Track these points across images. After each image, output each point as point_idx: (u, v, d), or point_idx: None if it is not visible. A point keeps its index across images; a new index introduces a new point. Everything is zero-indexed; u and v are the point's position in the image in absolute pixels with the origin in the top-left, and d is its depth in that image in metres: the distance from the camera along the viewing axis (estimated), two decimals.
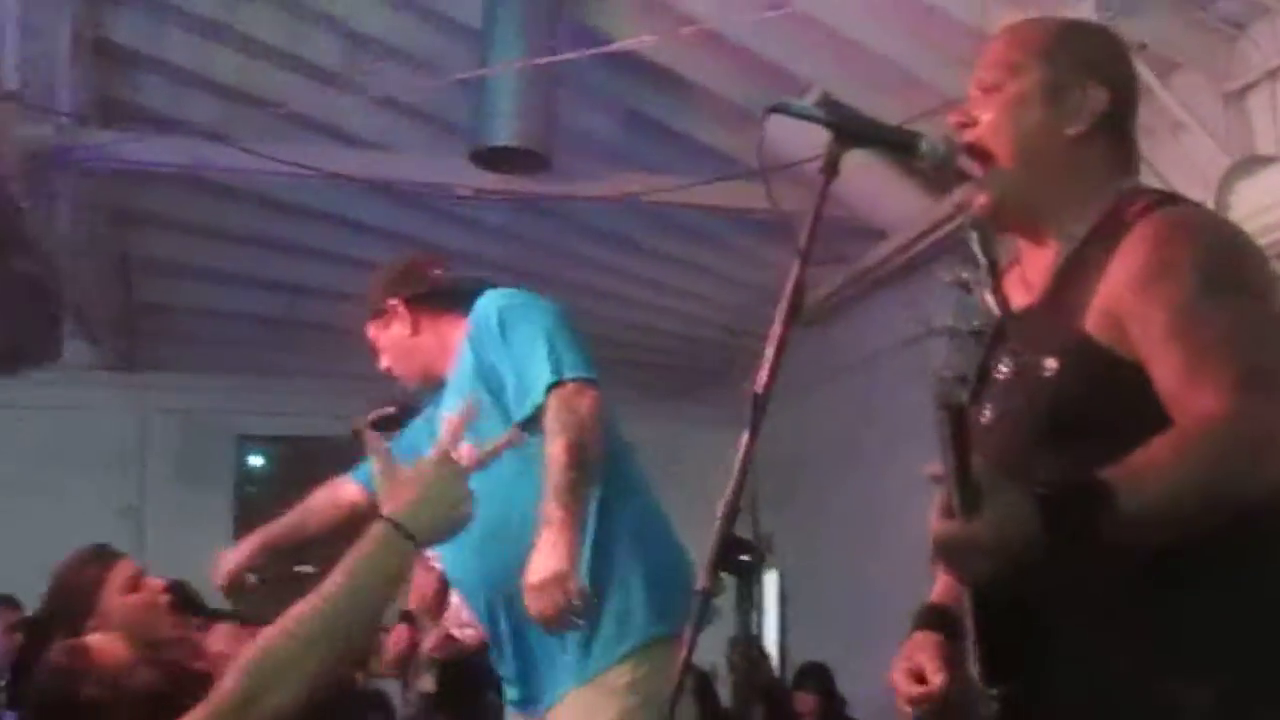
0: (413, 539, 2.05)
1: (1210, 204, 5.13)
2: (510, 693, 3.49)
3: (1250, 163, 5.65)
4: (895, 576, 7.42)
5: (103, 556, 3.46)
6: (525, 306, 3.43)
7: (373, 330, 3.73)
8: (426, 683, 5.67)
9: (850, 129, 2.16)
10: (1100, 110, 2.15)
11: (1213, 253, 2.00)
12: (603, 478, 3.29)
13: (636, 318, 10.13)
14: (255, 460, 12.07)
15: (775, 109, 2.22)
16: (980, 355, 1.83)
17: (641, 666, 3.20)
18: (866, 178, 7.01)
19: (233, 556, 3.87)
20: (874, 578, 7.61)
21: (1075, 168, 2.15)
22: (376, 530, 2.05)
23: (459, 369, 3.50)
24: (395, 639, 5.69)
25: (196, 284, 10.00)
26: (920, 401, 1.83)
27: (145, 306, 10.20)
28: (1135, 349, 1.96)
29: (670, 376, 10.86)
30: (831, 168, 2.14)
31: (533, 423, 3.22)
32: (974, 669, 1.95)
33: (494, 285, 3.58)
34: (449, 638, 5.47)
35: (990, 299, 1.84)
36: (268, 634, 1.97)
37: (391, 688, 7.10)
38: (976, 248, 1.89)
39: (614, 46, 6.84)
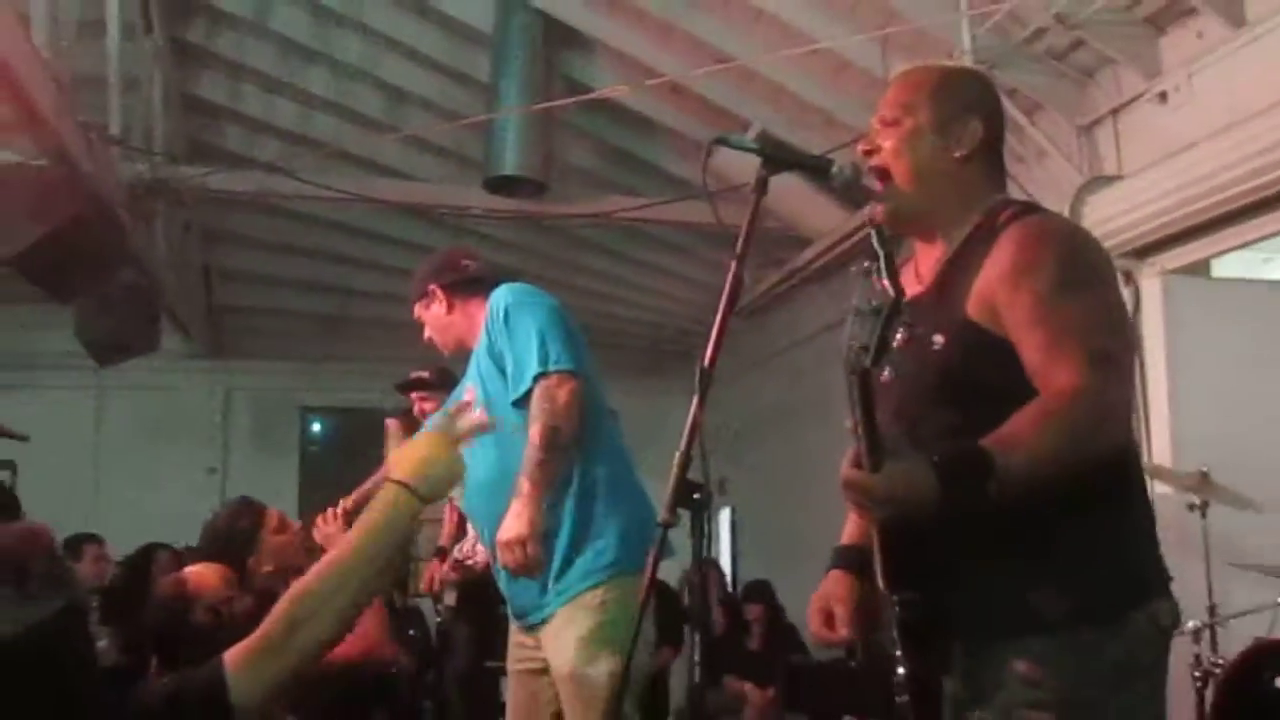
0: (418, 496, 2.01)
1: (1066, 214, 5.15)
2: (509, 607, 3.48)
3: (1098, 182, 5.68)
4: (821, 511, 7.44)
5: (254, 505, 3.44)
6: (527, 303, 3.34)
7: (418, 310, 3.66)
8: (450, 598, 5.72)
9: (776, 156, 2.16)
10: (979, 139, 2.14)
11: (1068, 252, 1.99)
12: (586, 441, 3.26)
13: (617, 311, 10.08)
14: (316, 427, 12.00)
15: (718, 141, 2.22)
16: (879, 328, 1.82)
17: (611, 591, 3.18)
18: (796, 197, 7.03)
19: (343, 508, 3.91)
20: (805, 512, 7.60)
21: (959, 185, 2.14)
22: (388, 491, 2.01)
23: (477, 347, 3.48)
24: (430, 570, 5.73)
25: (267, 288, 9.98)
26: (839, 373, 1.83)
27: (226, 307, 10.15)
28: (1006, 331, 1.96)
29: (643, 358, 10.82)
30: (761, 187, 2.15)
31: (525, 400, 3.22)
32: (880, 580, 1.95)
33: (511, 278, 3.55)
34: (459, 563, 5.52)
35: (886, 283, 1.83)
36: (305, 578, 1.94)
37: (426, 607, 7.13)
38: (875, 242, 1.87)
39: (596, 94, 6.83)
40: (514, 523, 3.05)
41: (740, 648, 8.49)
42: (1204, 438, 5.43)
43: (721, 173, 7.39)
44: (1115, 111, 5.73)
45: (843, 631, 2.05)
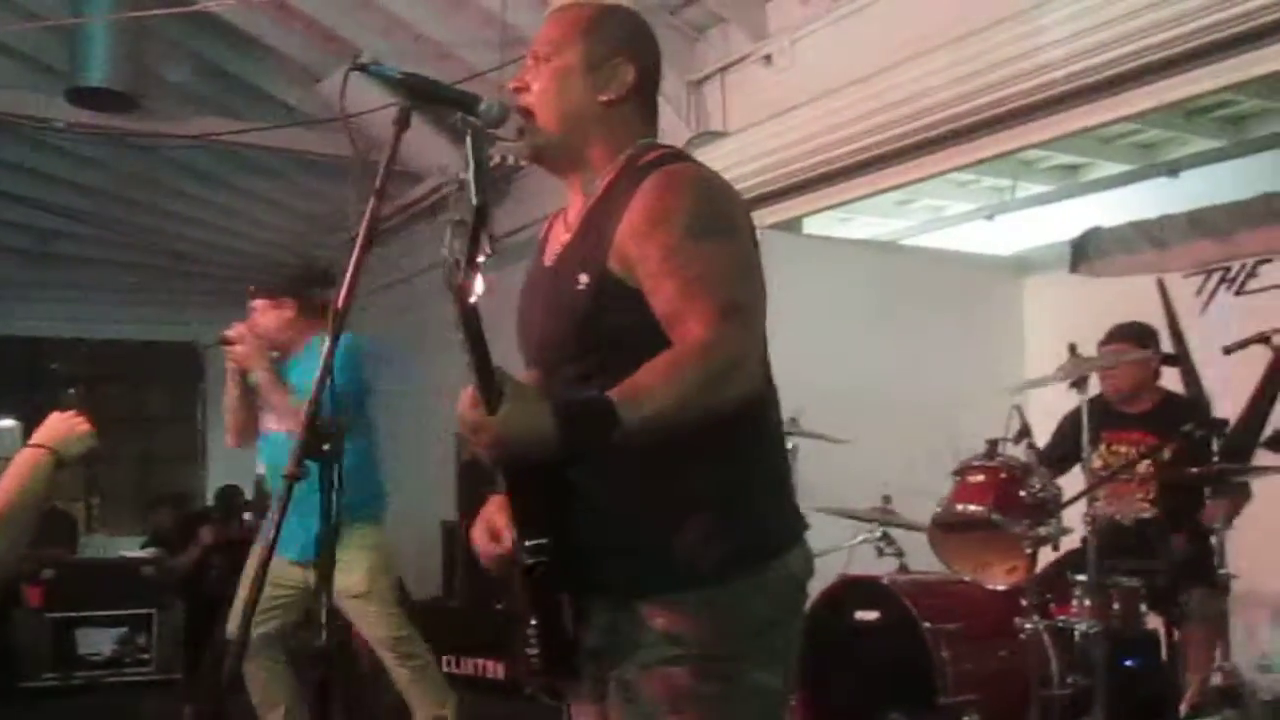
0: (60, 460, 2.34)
1: None
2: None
3: (704, 137, 5.84)
4: (432, 447, 7.35)
5: None
6: (350, 351, 4.06)
7: (262, 303, 4.26)
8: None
9: (421, 88, 2.02)
10: (630, 82, 2.06)
11: (697, 202, 1.93)
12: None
13: (208, 238, 9.49)
14: None
15: (358, 68, 2.04)
16: (469, 240, 1.71)
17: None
18: (409, 131, 6.83)
19: None
20: (414, 447, 7.48)
21: (606, 128, 2.05)
22: (29, 454, 2.31)
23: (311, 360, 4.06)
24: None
25: None
26: (446, 311, 1.71)
27: None
28: (639, 281, 1.90)
29: (233, 288, 10.27)
30: (404, 120, 2.02)
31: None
32: (512, 526, 1.87)
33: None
34: None
35: (473, 191, 1.72)
36: None
37: None
38: (469, 150, 1.75)
39: (196, 7, 6.31)
40: None
41: None
42: (793, 386, 5.70)
43: (328, 100, 7.06)
44: (724, 70, 5.89)
45: (508, 541, 1.95)
